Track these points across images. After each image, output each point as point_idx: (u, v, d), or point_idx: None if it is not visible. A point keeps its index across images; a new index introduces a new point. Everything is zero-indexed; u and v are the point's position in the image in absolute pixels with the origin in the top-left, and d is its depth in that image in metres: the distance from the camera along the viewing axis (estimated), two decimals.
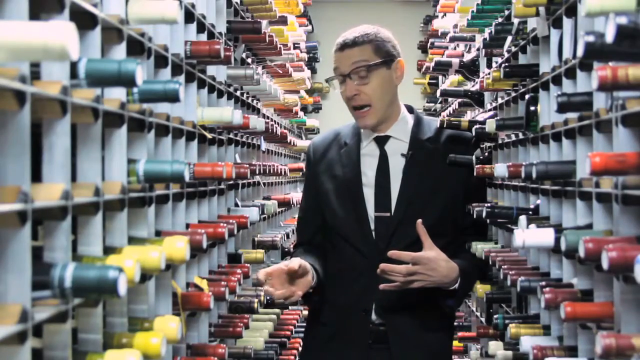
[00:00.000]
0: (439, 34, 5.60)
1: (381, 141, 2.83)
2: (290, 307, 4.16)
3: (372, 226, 2.76)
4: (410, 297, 2.70)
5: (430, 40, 6.02)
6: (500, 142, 3.02)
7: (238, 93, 3.36)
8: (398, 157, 2.81)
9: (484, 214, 2.63)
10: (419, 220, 2.64)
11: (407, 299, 2.71)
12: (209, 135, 2.68)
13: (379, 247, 2.74)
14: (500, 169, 2.55)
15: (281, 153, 5.37)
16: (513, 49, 2.88)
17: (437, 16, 5.83)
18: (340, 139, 2.89)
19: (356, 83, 2.73)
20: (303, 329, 4.03)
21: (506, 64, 2.82)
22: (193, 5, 2.49)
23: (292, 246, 4.08)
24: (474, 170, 2.77)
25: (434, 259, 2.62)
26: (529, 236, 2.07)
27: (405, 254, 2.61)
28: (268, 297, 3.77)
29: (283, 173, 4.19)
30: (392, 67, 2.77)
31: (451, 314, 2.89)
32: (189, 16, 2.47)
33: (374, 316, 2.75)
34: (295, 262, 2.62)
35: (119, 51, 1.87)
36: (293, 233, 4.42)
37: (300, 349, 3.81)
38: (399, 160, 2.81)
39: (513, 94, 2.88)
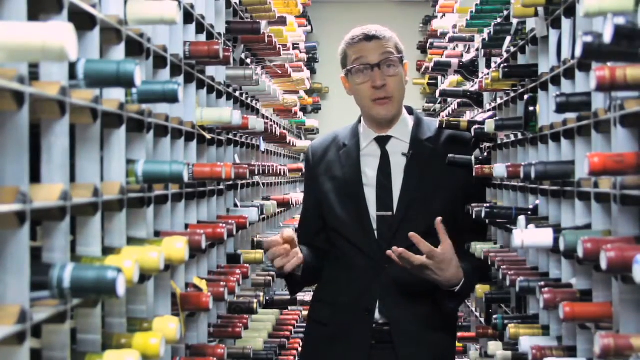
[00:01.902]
0: (438, 34, 5.60)
1: (382, 141, 2.84)
2: (289, 308, 4.16)
3: (374, 225, 2.77)
4: (414, 296, 2.71)
5: (430, 40, 6.02)
6: (499, 142, 3.02)
7: (237, 93, 3.36)
8: (399, 156, 2.82)
9: (483, 214, 2.63)
10: (439, 218, 2.64)
11: (410, 298, 2.72)
12: (208, 136, 2.68)
13: (381, 246, 2.74)
14: (499, 169, 2.55)
15: (280, 153, 5.37)
16: (512, 49, 2.88)
17: (437, 16, 5.84)
18: (339, 141, 2.90)
19: (385, 74, 2.76)
20: (302, 330, 4.04)
21: (505, 65, 2.82)
22: (192, 6, 2.49)
23: None
24: (473, 171, 2.77)
25: (448, 260, 2.63)
26: (528, 236, 2.07)
27: (424, 243, 2.60)
28: (267, 298, 3.78)
29: (282, 173, 4.19)
30: (404, 66, 2.83)
31: (453, 314, 2.89)
32: (188, 17, 2.47)
33: (377, 315, 2.75)
34: (288, 230, 2.68)
35: (118, 52, 1.87)
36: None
37: (299, 350, 3.81)
38: (400, 160, 2.82)
39: (512, 95, 2.88)
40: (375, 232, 2.77)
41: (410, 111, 2.92)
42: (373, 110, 2.81)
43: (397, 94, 2.79)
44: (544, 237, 2.06)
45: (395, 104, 2.80)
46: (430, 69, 4.42)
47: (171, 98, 1.91)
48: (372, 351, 2.74)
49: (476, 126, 2.83)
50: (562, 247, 1.89)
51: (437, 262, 2.61)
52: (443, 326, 2.83)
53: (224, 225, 2.46)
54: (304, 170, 3.04)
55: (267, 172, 3.64)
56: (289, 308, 4.17)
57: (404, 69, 2.84)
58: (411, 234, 2.60)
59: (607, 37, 1.48)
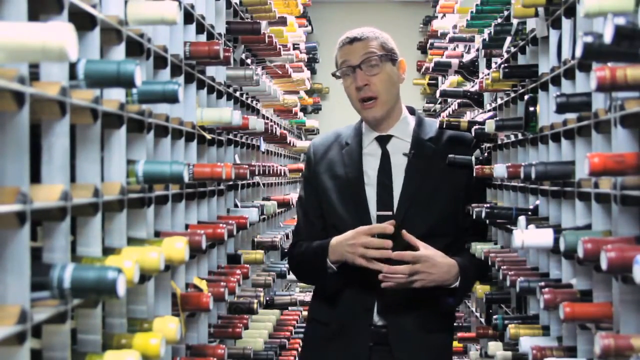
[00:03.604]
0: (439, 35, 5.60)
1: (383, 140, 2.84)
2: (289, 308, 4.16)
3: None
4: (413, 296, 2.71)
5: (430, 40, 6.02)
6: (499, 142, 3.02)
7: (237, 94, 3.36)
8: (400, 156, 2.83)
9: (483, 215, 2.63)
10: (403, 231, 2.68)
11: (409, 298, 2.72)
12: (209, 136, 2.68)
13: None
14: (499, 170, 2.55)
15: (281, 154, 5.37)
16: (512, 49, 2.88)
17: (437, 17, 5.84)
18: (342, 140, 2.90)
19: (367, 74, 2.76)
20: (303, 329, 4.04)
21: (505, 65, 2.82)
22: (192, 6, 2.49)
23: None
24: (473, 171, 2.77)
25: (432, 256, 2.67)
26: (528, 237, 2.07)
27: (407, 253, 2.64)
28: (267, 298, 3.77)
29: (282, 174, 4.19)
30: (396, 64, 2.81)
31: (451, 312, 2.90)
32: (188, 17, 2.47)
33: (375, 317, 2.76)
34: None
35: (118, 52, 1.87)
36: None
37: (299, 349, 3.81)
38: (401, 160, 2.82)
39: (512, 95, 2.88)
40: None
41: (411, 111, 2.93)
42: (362, 112, 2.83)
43: (384, 92, 2.79)
44: (544, 237, 2.06)
45: (383, 104, 2.80)
46: (430, 69, 4.42)
47: (171, 98, 1.91)
48: (371, 352, 2.75)
49: (476, 126, 2.83)
50: (562, 247, 1.89)
51: (423, 261, 2.64)
52: (440, 327, 2.84)
53: (224, 225, 2.46)
54: (304, 168, 3.03)
55: (267, 172, 3.64)
56: (289, 308, 4.17)
57: (400, 66, 2.84)
58: (395, 253, 2.63)
59: (608, 38, 1.48)
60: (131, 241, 1.92)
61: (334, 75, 2.86)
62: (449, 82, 5.13)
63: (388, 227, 2.68)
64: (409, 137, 2.85)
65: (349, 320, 2.78)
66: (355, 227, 2.76)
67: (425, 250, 2.67)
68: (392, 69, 2.81)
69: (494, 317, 2.70)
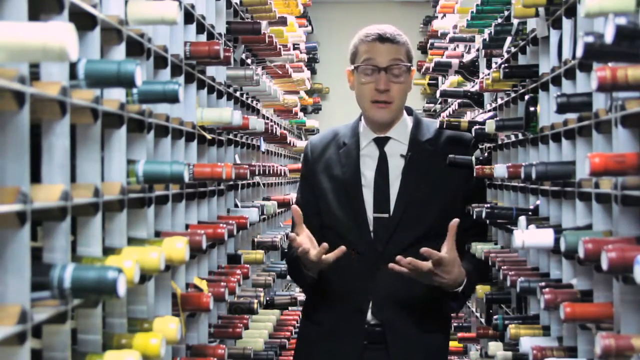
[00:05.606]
0: (439, 35, 5.59)
1: (381, 142, 2.84)
2: (289, 308, 4.16)
3: (371, 227, 2.77)
4: (407, 297, 2.71)
5: (430, 40, 6.01)
6: (499, 142, 3.02)
7: (238, 94, 3.36)
8: (397, 158, 2.82)
9: (483, 215, 2.63)
10: (455, 220, 2.62)
11: (404, 297, 2.72)
12: (209, 136, 2.68)
13: (377, 248, 2.75)
14: (499, 170, 2.55)
15: (281, 154, 5.37)
16: (512, 49, 2.88)
17: (437, 17, 5.83)
18: (339, 139, 2.90)
19: (391, 79, 2.76)
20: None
21: (506, 65, 2.82)
22: (192, 6, 2.49)
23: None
24: (473, 171, 2.77)
25: (452, 262, 2.63)
26: (529, 237, 2.07)
27: (435, 253, 2.59)
28: (268, 298, 3.77)
29: (283, 174, 4.19)
30: (410, 74, 2.83)
31: (448, 314, 2.89)
32: (189, 17, 2.47)
33: (369, 316, 2.76)
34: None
35: (119, 52, 1.87)
36: None
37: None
38: (398, 162, 2.82)
39: (513, 95, 2.88)
40: (372, 234, 2.77)
41: (409, 112, 2.92)
42: (370, 111, 2.81)
43: (398, 100, 2.79)
44: (544, 237, 2.06)
45: (394, 109, 2.80)
46: (430, 70, 4.42)
47: (172, 98, 1.91)
48: (365, 351, 2.75)
49: (477, 126, 2.83)
50: (562, 247, 1.89)
51: (444, 266, 2.61)
52: (436, 327, 2.83)
53: (225, 225, 2.46)
54: (301, 166, 3.02)
55: (267, 172, 3.64)
56: (289, 308, 4.17)
57: (411, 76, 2.84)
58: (423, 249, 2.59)
59: (608, 38, 1.48)
60: (131, 241, 1.92)
61: (355, 68, 2.81)
62: (449, 82, 5.13)
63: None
64: (406, 139, 2.85)
65: (342, 320, 2.77)
66: (352, 229, 2.77)
67: (450, 253, 2.62)
68: (409, 79, 2.82)
69: (494, 317, 2.70)
